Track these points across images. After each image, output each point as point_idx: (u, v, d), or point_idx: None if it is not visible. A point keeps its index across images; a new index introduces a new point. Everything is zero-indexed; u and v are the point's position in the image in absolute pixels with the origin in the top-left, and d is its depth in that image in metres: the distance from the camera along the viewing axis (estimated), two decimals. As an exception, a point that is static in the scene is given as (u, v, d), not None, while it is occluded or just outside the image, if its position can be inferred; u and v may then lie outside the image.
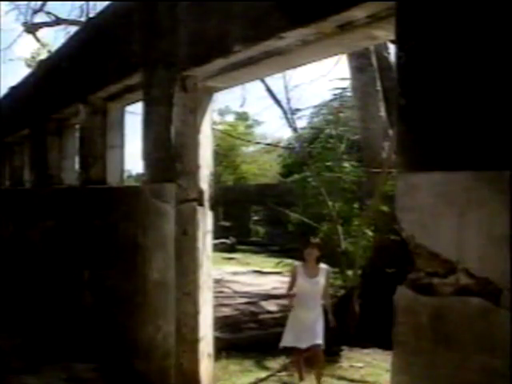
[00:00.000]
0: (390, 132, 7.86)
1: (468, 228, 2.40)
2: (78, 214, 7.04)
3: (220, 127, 25.04)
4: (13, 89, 11.11)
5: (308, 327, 5.29)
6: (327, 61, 5.88)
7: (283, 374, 5.96)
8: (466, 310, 2.42)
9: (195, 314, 4.76)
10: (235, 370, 5.95)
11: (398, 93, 2.75)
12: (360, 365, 6.20)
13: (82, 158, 7.16)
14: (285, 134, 53.95)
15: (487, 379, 2.34)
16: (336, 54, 4.61)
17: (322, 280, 5.38)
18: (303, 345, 5.30)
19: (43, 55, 17.07)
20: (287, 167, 22.43)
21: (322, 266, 5.47)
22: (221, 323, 6.52)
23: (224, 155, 27.04)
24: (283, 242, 18.04)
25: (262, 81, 8.57)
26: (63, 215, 7.63)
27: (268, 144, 23.06)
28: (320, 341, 5.28)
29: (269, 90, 8.79)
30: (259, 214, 24.82)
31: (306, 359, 5.52)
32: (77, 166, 8.11)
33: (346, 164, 8.48)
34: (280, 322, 7.73)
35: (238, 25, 3.97)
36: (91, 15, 13.50)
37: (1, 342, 6.65)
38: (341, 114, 11.03)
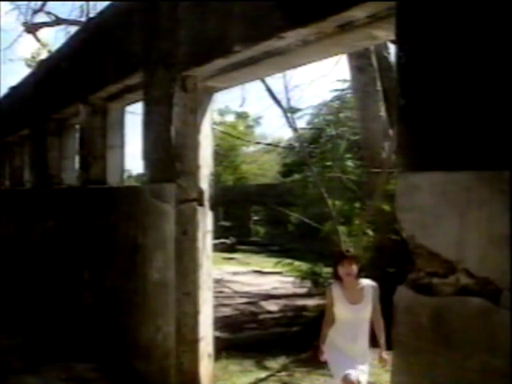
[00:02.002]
0: (390, 132, 7.86)
1: (468, 228, 2.40)
2: (78, 214, 7.04)
3: (220, 127, 25.02)
4: (13, 89, 11.11)
5: (350, 359, 4.07)
6: (327, 61, 5.87)
7: (283, 374, 5.96)
8: (466, 310, 2.42)
9: (195, 314, 4.77)
10: (235, 370, 5.94)
11: (397, 93, 2.75)
12: (360, 365, 6.19)
13: (82, 158, 7.17)
14: (285, 134, 53.92)
15: (487, 379, 2.33)
16: (336, 54, 4.60)
17: (368, 305, 4.06)
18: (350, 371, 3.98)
19: (43, 55, 17.09)
20: (287, 167, 22.41)
21: (365, 282, 4.14)
22: (221, 323, 6.52)
23: (224, 155, 27.03)
24: (283, 242, 18.06)
25: (262, 81, 8.54)
26: (63, 215, 7.63)
27: (268, 144, 23.02)
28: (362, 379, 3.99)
29: (269, 90, 8.76)
30: (259, 214, 24.82)
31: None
32: (77, 166, 8.12)
33: (348, 163, 8.46)
34: (280, 322, 7.75)
35: (238, 25, 3.97)
36: (91, 15, 13.49)
37: (1, 341, 6.65)
38: (341, 114, 11.03)
